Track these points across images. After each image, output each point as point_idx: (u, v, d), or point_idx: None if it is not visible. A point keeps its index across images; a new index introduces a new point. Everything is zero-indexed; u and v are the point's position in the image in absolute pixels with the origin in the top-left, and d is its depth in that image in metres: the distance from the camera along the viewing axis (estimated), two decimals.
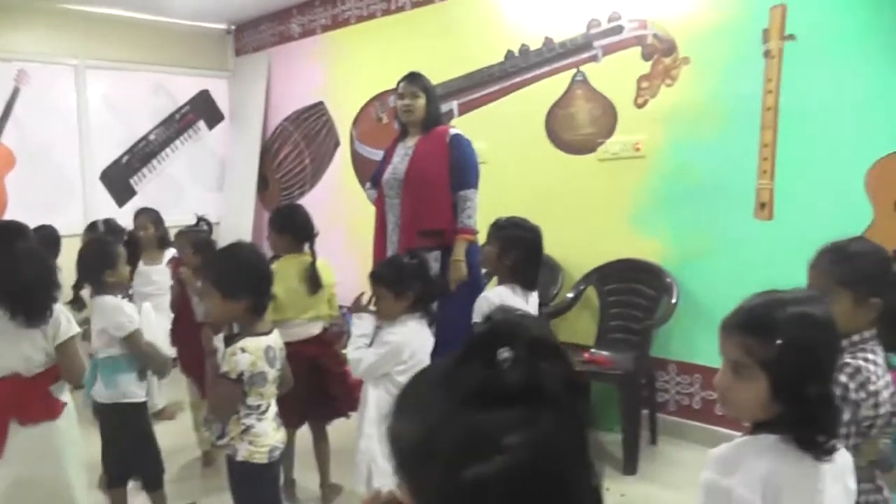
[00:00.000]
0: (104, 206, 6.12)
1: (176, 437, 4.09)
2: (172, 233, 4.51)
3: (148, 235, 4.66)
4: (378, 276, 2.83)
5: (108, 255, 3.00)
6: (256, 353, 2.34)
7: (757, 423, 1.42)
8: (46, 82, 5.97)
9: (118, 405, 2.96)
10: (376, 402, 2.74)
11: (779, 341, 1.33)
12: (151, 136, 6.63)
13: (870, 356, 1.79)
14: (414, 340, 2.77)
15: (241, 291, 2.36)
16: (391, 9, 5.58)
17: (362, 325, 2.85)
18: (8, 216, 5.21)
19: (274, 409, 2.50)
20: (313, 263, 3.40)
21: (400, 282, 2.77)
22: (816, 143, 3.53)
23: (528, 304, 3.11)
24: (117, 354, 2.94)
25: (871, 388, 1.73)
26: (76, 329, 2.63)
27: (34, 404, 2.58)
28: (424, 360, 2.79)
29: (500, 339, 0.76)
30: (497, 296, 3.04)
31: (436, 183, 3.68)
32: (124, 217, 5.11)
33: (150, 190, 6.57)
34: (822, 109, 3.49)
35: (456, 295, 3.55)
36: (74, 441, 2.71)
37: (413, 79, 3.86)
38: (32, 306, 2.51)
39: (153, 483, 3.14)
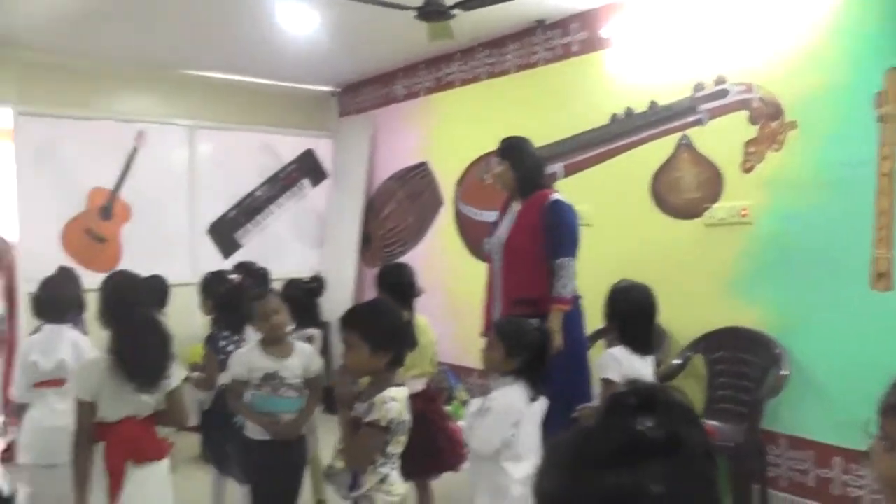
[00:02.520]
0: (211, 258, 6.33)
1: None
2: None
3: None
4: (497, 327, 2.89)
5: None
6: (402, 402, 2.45)
7: None
8: (162, 142, 6.30)
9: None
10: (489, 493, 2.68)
11: None
12: (257, 193, 6.90)
13: None
14: (518, 403, 2.69)
15: (388, 344, 2.48)
16: (495, 72, 5.67)
17: (473, 402, 2.83)
18: (122, 265, 5.46)
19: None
20: (409, 322, 3.41)
21: (513, 343, 2.73)
22: None
23: (647, 365, 3.10)
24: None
25: None
26: (183, 374, 2.88)
27: (147, 445, 2.73)
28: (532, 431, 2.72)
29: (642, 402, 0.85)
30: (619, 352, 3.06)
31: (529, 251, 3.64)
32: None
33: (254, 244, 6.79)
34: None
35: (553, 365, 3.47)
36: (168, 480, 2.86)
37: (499, 147, 3.88)
38: (149, 377, 2.68)
39: None
